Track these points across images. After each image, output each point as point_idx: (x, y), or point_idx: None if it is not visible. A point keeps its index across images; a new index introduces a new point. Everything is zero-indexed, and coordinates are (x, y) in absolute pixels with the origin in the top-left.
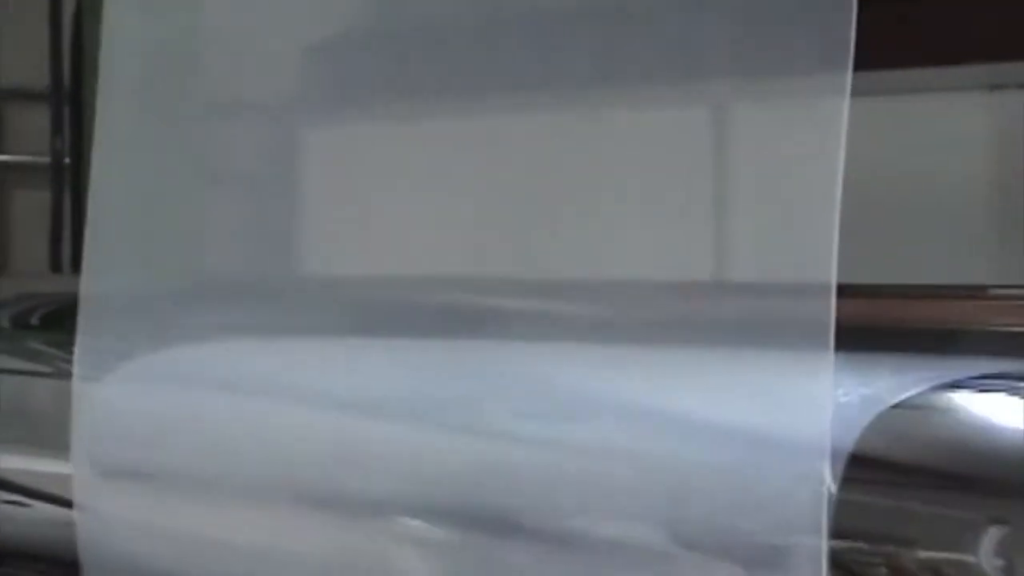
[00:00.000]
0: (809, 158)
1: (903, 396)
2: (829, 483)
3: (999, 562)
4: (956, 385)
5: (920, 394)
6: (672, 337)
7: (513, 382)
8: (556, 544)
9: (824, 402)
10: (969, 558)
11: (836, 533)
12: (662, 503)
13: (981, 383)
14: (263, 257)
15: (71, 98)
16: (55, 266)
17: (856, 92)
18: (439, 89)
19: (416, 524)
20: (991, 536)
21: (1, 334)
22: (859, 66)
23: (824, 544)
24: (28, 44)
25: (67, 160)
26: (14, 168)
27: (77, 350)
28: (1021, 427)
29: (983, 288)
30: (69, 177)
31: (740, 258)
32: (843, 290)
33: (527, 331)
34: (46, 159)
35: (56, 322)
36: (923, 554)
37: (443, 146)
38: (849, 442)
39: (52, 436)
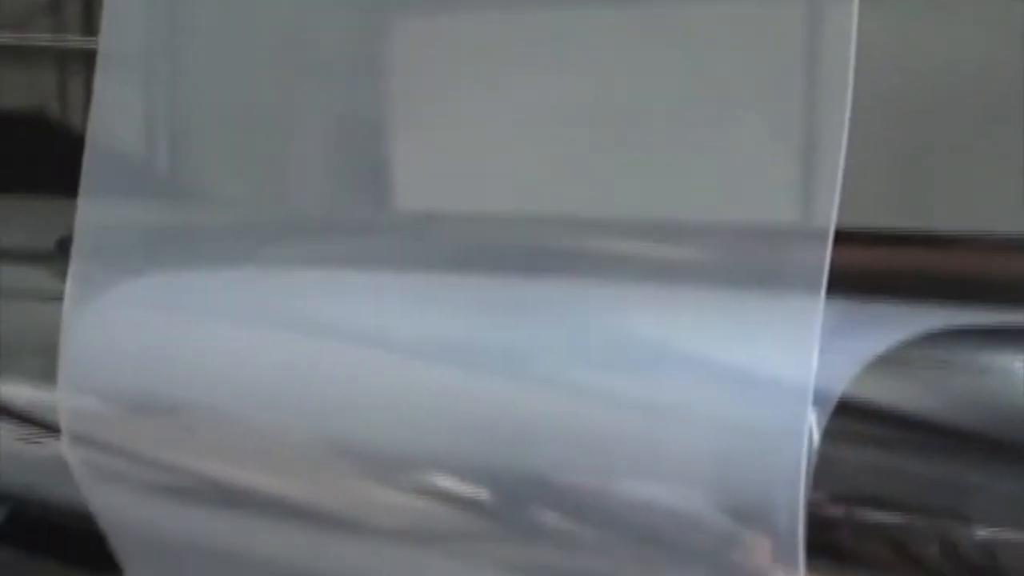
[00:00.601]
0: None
1: (892, 345)
2: (812, 433)
3: (991, 522)
4: (947, 334)
5: (909, 343)
6: (657, 277)
7: (573, 329)
8: (586, 507)
9: (810, 350)
10: (960, 516)
11: (817, 484)
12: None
13: (976, 332)
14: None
15: None
16: None
17: None
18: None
19: (446, 480)
20: (983, 494)
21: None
22: None
23: (802, 493)
24: None
25: None
26: None
27: (70, 274)
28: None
29: (979, 235)
30: None
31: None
32: (839, 236)
33: (607, 272)
34: None
35: None
36: (909, 511)
37: (526, 79)
38: (836, 392)
39: None
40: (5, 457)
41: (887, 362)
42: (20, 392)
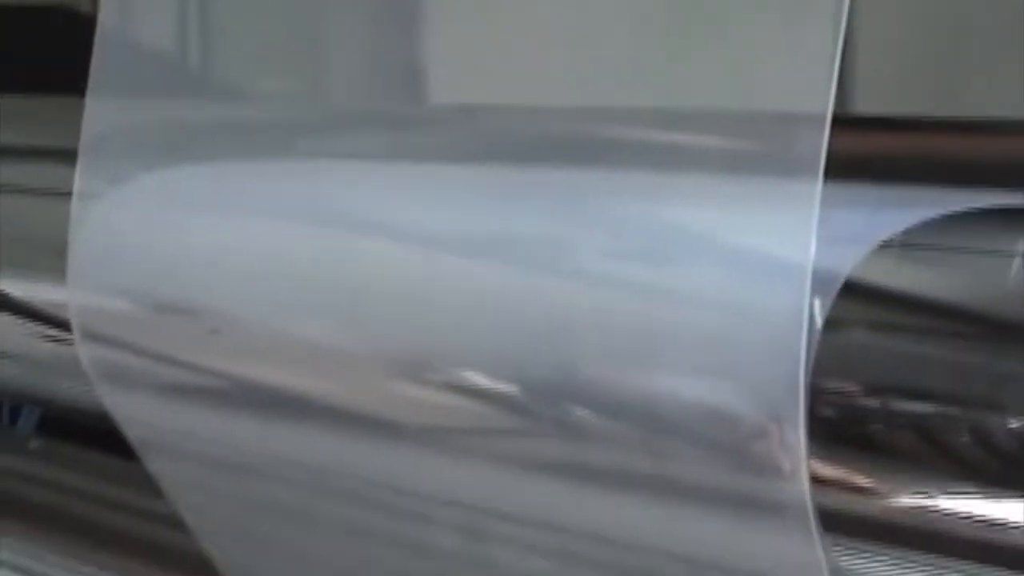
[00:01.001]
0: None
1: (896, 230)
2: (815, 316)
3: (998, 407)
4: (955, 217)
5: (916, 227)
6: (663, 164)
7: (611, 219)
8: (599, 398)
9: (808, 232)
10: (965, 400)
11: (821, 369)
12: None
13: (984, 214)
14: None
15: None
16: None
17: None
18: None
19: (477, 375)
20: (991, 378)
21: None
22: None
23: (802, 377)
24: None
25: None
26: None
27: (79, 168)
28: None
29: (981, 120)
30: None
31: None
32: (837, 120)
33: (643, 164)
34: None
35: None
36: (914, 396)
37: None
38: (840, 276)
39: None
40: (33, 358)
41: (894, 246)
42: (44, 291)
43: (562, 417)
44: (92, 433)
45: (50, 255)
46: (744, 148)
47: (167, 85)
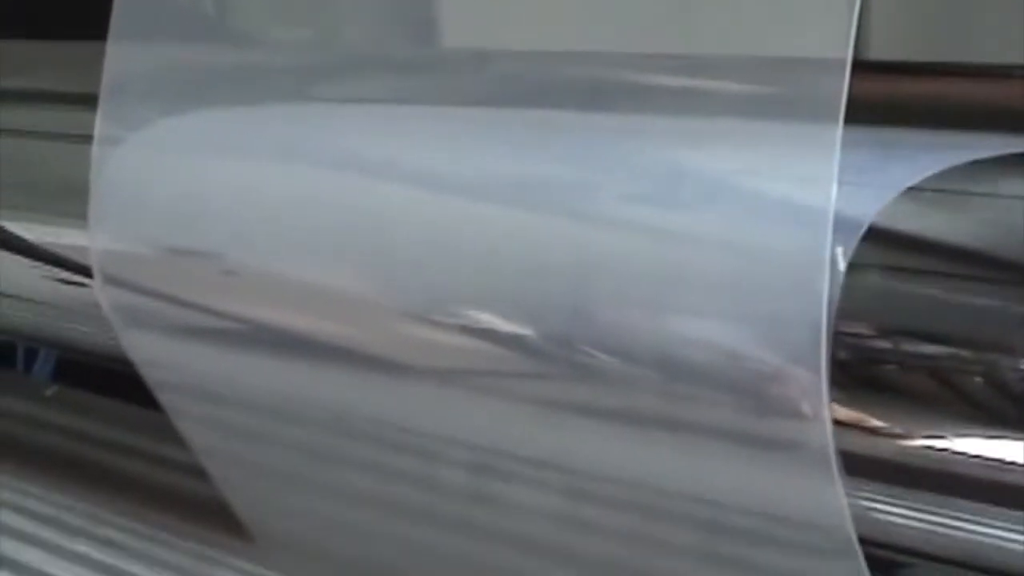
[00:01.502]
0: None
1: (922, 176)
2: (838, 261)
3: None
4: (978, 164)
5: (940, 174)
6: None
7: (632, 162)
8: (621, 341)
9: (829, 175)
10: (993, 346)
11: (844, 314)
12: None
13: (1007, 162)
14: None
15: None
16: None
17: None
18: None
19: (495, 318)
20: (1016, 326)
21: None
22: None
23: (824, 321)
24: None
25: None
26: None
27: (100, 113)
28: None
29: (1003, 66)
30: None
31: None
32: (858, 65)
33: (665, 107)
34: None
35: None
36: (939, 342)
37: None
38: (863, 221)
39: None
40: (49, 303)
41: (920, 191)
42: (60, 235)
43: (580, 360)
44: (108, 379)
45: (67, 199)
46: (765, 92)
47: (186, 30)
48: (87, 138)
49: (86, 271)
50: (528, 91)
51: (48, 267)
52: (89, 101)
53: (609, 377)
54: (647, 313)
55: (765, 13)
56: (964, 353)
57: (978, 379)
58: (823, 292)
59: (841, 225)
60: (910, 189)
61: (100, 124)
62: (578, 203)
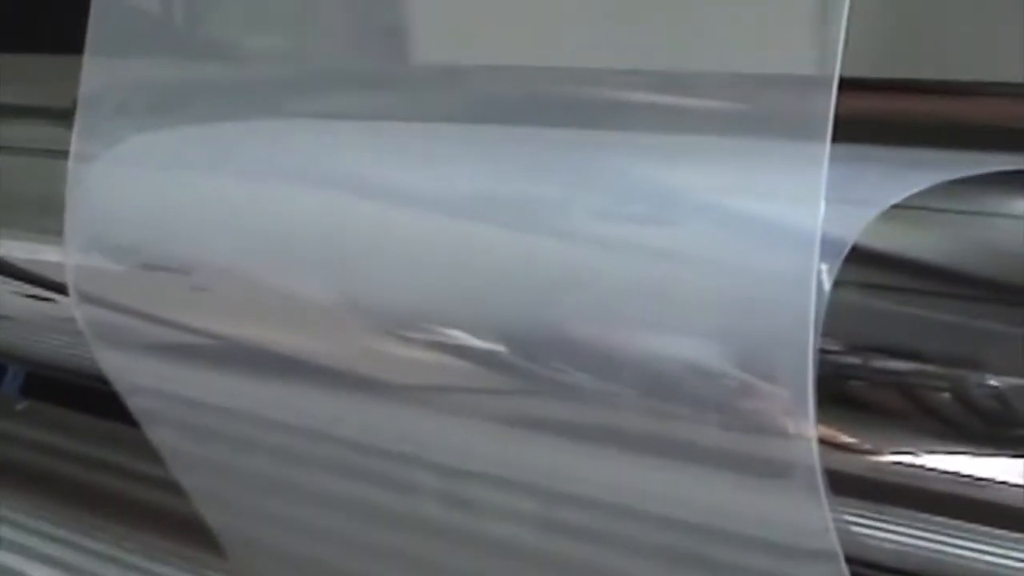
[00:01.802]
0: None
1: (907, 194)
2: (822, 280)
3: (1007, 371)
4: (964, 183)
5: (926, 192)
6: (667, 127)
7: (602, 178)
8: (600, 359)
9: (816, 194)
10: (972, 369)
11: (829, 332)
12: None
13: (991, 181)
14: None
15: None
16: None
17: None
18: None
19: (463, 334)
20: (998, 345)
21: None
22: None
23: (811, 342)
24: None
25: None
26: None
27: (76, 129)
28: None
29: (993, 84)
30: None
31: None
32: (844, 83)
33: (619, 121)
34: None
35: None
36: (921, 363)
37: None
38: (848, 240)
39: None
40: (17, 317)
41: (904, 210)
42: (30, 251)
43: (556, 377)
44: (78, 394)
45: (38, 214)
46: (748, 109)
47: (161, 44)
48: (63, 154)
49: (60, 288)
50: (504, 107)
51: (20, 283)
52: (66, 116)
53: (586, 395)
54: (625, 330)
55: (750, 30)
56: (947, 371)
57: (963, 397)
58: (810, 312)
59: (825, 243)
60: (894, 207)
61: (75, 140)
62: (553, 219)
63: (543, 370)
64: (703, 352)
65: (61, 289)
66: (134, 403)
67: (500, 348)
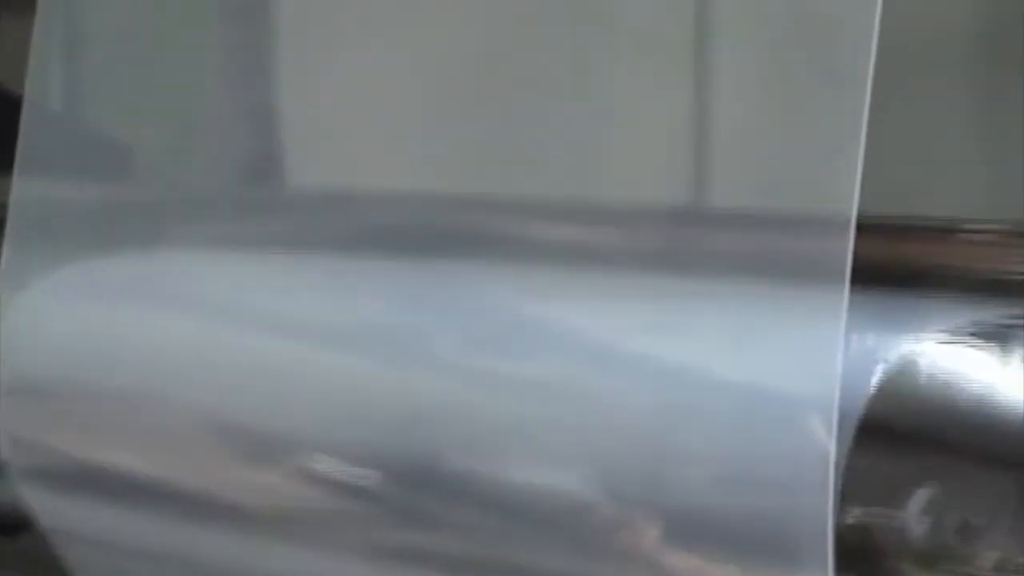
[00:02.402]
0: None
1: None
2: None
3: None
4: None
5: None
6: (659, 268)
7: (471, 310)
8: (482, 496)
9: (834, 355)
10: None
11: (846, 504)
12: (631, 460)
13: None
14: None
15: None
16: None
17: None
18: None
19: (334, 463)
20: None
21: None
22: None
23: (830, 520)
24: None
25: None
26: None
27: (4, 256)
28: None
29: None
30: None
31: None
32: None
33: (508, 255)
34: None
35: None
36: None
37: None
38: (858, 403)
39: None
40: None
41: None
42: None
43: (425, 507)
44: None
45: None
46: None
47: (89, 168)
48: None
49: None
50: (388, 236)
51: None
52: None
53: (457, 528)
54: (493, 463)
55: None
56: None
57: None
58: (829, 486)
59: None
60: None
61: (5, 268)
62: (421, 350)
63: (412, 501)
64: (573, 485)
65: None
66: (53, 533)
67: (372, 479)
